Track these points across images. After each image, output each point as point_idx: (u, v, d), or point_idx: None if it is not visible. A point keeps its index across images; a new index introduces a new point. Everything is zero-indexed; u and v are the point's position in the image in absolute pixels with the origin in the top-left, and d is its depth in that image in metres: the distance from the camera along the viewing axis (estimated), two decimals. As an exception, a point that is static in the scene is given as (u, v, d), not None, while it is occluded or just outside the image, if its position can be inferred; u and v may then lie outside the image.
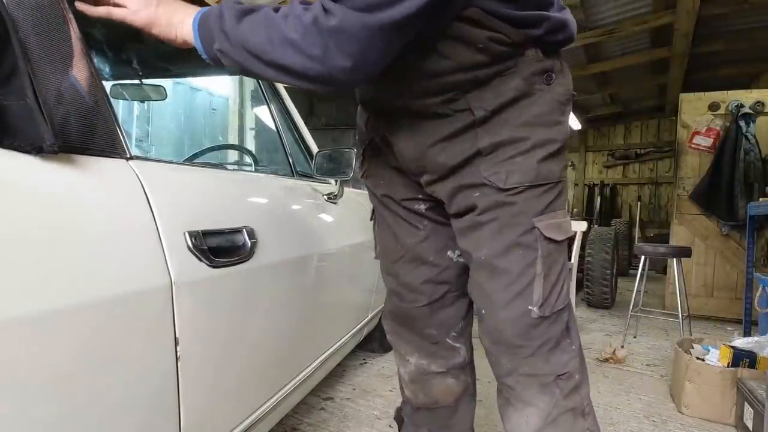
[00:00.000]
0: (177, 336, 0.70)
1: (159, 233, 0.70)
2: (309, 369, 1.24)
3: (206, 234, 0.78)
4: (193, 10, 0.73)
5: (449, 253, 0.93)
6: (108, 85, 1.76)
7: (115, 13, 0.74)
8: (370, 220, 1.03)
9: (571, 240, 3.22)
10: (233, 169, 1.49)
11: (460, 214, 0.81)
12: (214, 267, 0.78)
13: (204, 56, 0.73)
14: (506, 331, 0.77)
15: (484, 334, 0.82)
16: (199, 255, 0.75)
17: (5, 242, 0.48)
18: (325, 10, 0.60)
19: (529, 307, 0.75)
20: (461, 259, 0.92)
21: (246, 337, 0.90)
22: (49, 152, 0.56)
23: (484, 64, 0.70)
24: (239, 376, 0.90)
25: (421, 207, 0.92)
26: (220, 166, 1.55)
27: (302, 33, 0.61)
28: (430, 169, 0.81)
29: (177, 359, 0.71)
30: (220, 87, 4.17)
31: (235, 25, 0.66)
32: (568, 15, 0.76)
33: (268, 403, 1.02)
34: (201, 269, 0.76)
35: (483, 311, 0.80)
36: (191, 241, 0.75)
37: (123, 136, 0.72)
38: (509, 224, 0.75)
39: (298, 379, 1.17)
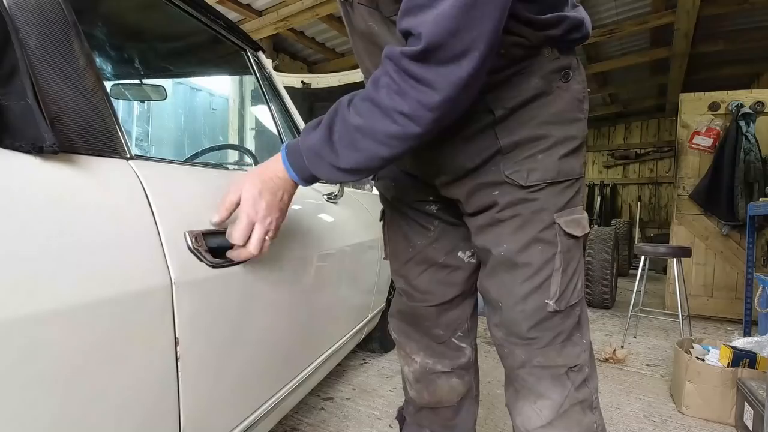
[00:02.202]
0: (177, 336, 0.70)
1: (159, 233, 0.69)
2: (309, 369, 1.24)
3: (206, 234, 0.78)
4: (275, 169, 0.74)
5: (460, 253, 0.93)
6: (108, 84, 1.76)
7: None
8: (380, 221, 1.04)
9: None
10: (233, 169, 1.49)
11: (477, 212, 0.81)
12: (214, 267, 0.78)
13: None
14: (522, 323, 0.78)
15: (498, 326, 0.82)
16: (199, 255, 0.75)
17: (5, 242, 0.48)
18: (423, 82, 0.59)
19: (546, 301, 0.76)
20: (473, 260, 0.93)
21: (246, 337, 0.90)
22: (49, 152, 0.56)
23: (503, 67, 0.71)
24: (239, 376, 0.90)
25: (432, 208, 0.92)
26: (221, 166, 1.55)
27: (409, 115, 0.61)
28: (448, 170, 0.81)
29: (177, 359, 0.71)
30: (220, 87, 4.17)
31: (336, 154, 0.67)
32: (582, 12, 0.76)
33: (268, 403, 1.02)
34: (201, 269, 0.76)
35: (500, 304, 0.80)
36: (191, 241, 0.75)
37: (123, 136, 0.72)
38: (530, 220, 0.75)
39: (298, 379, 1.17)
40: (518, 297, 0.77)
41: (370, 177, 1.01)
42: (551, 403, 0.78)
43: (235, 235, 0.74)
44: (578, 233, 0.76)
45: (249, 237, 0.75)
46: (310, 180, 0.74)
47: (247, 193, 0.73)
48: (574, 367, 0.79)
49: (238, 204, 0.75)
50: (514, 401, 0.84)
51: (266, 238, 0.76)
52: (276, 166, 0.74)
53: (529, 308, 0.77)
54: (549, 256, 0.75)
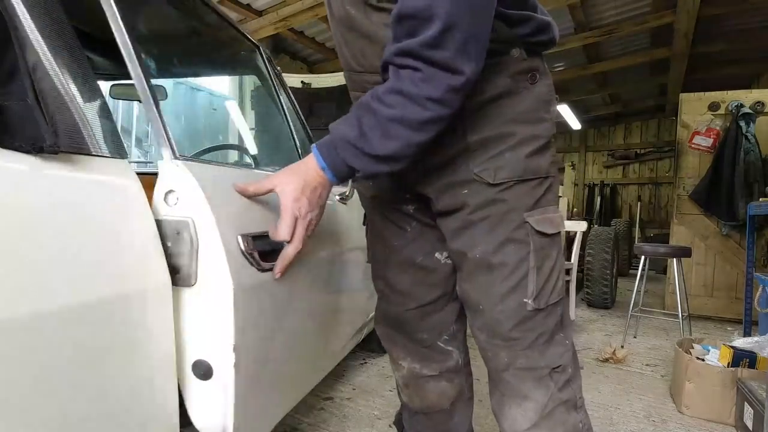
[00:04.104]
0: (177, 336, 0.70)
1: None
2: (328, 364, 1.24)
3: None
4: (311, 166, 0.74)
5: (437, 255, 0.93)
6: (108, 84, 1.76)
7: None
8: (363, 225, 1.04)
9: (570, 240, 3.22)
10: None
11: (448, 213, 0.82)
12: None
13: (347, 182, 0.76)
14: (503, 323, 0.78)
15: (481, 329, 0.83)
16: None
17: (5, 242, 0.48)
18: (450, 69, 0.63)
19: (525, 300, 0.76)
20: (449, 261, 0.92)
21: (284, 338, 0.90)
22: (50, 152, 0.56)
23: None
24: (283, 371, 0.90)
25: (409, 208, 0.92)
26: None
27: (440, 100, 0.65)
28: (419, 165, 0.81)
29: (177, 359, 0.71)
30: (220, 87, 4.16)
31: (370, 144, 0.68)
32: (550, 19, 0.79)
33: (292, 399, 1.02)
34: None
35: (481, 306, 0.81)
36: (191, 241, 0.75)
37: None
38: (501, 221, 0.76)
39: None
40: (497, 297, 0.78)
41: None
42: (535, 405, 0.79)
43: (281, 232, 0.74)
44: (550, 231, 0.77)
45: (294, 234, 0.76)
46: (343, 175, 0.74)
47: (288, 189, 0.74)
48: (557, 367, 0.79)
49: (268, 192, 0.77)
50: (500, 405, 0.84)
51: (306, 235, 0.77)
52: (311, 164, 0.74)
53: (509, 308, 0.77)
54: (523, 254, 0.76)
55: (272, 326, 0.85)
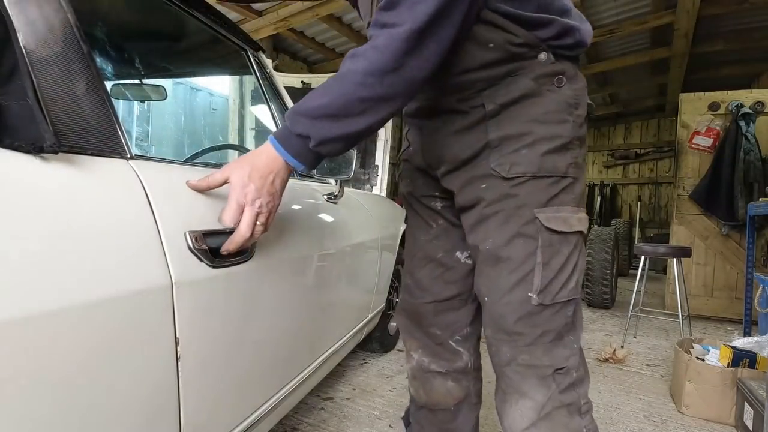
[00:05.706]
0: (177, 336, 0.70)
1: (159, 233, 0.69)
2: (309, 369, 1.24)
3: (207, 234, 0.78)
4: (264, 151, 0.74)
5: (458, 253, 0.95)
6: (108, 84, 1.76)
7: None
8: (404, 222, 1.08)
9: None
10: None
11: (468, 208, 0.84)
12: (214, 267, 0.78)
13: (303, 167, 0.75)
14: (507, 317, 0.79)
15: (487, 323, 0.84)
16: (199, 255, 0.75)
17: (5, 242, 0.48)
18: (392, 25, 0.66)
19: (529, 294, 0.77)
20: (469, 261, 0.95)
21: (246, 337, 0.90)
22: (50, 152, 0.56)
23: (497, 62, 0.75)
24: (239, 376, 0.90)
25: (437, 204, 0.96)
26: (221, 166, 1.54)
27: (379, 47, 0.67)
28: (446, 160, 0.86)
29: (177, 359, 0.71)
30: (220, 87, 4.17)
31: (314, 103, 0.69)
32: (578, 21, 0.79)
33: (268, 403, 1.02)
34: (201, 269, 0.76)
35: (486, 299, 0.82)
36: (192, 241, 0.75)
37: (123, 136, 0.72)
38: (513, 215, 0.78)
39: (298, 379, 1.17)
40: (503, 290, 0.79)
41: (397, 177, 1.05)
42: (533, 404, 0.79)
43: (224, 217, 0.73)
44: (561, 228, 0.77)
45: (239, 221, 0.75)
46: (297, 149, 0.72)
47: (235, 176, 0.73)
48: (561, 369, 0.79)
49: (222, 184, 0.77)
50: (502, 403, 0.85)
51: (258, 223, 0.75)
52: (264, 150, 0.75)
53: (514, 301, 0.78)
54: (531, 250, 0.77)
55: (230, 320, 0.84)
